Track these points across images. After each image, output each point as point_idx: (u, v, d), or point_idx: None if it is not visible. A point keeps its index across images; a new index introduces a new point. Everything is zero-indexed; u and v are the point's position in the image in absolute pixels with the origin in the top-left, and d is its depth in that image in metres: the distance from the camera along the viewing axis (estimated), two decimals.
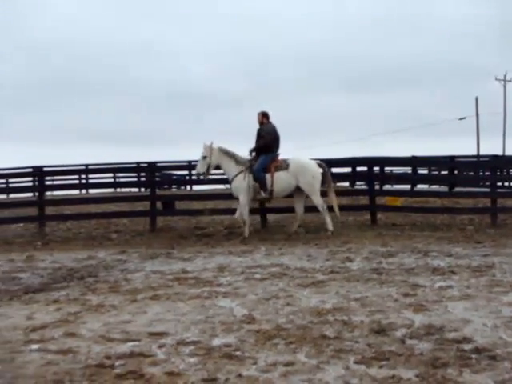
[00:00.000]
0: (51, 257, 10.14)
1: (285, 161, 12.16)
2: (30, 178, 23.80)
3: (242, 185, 11.96)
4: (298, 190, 12.21)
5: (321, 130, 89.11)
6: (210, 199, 15.93)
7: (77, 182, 24.81)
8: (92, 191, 27.13)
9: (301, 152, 50.30)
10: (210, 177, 13.23)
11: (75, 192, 26.36)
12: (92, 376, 4.08)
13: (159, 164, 19.58)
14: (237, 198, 12.24)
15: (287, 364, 4.27)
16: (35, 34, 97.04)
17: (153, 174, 14.93)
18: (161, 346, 4.76)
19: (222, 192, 16.12)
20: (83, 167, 21.83)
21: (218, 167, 12.49)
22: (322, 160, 12.48)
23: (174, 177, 29.31)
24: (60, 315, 5.89)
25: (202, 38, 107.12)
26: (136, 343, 4.83)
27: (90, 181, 25.67)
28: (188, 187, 28.73)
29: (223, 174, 13.05)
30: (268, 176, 11.93)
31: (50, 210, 13.85)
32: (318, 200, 12.12)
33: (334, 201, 12.29)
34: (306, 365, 4.26)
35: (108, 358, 4.46)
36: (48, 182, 17.77)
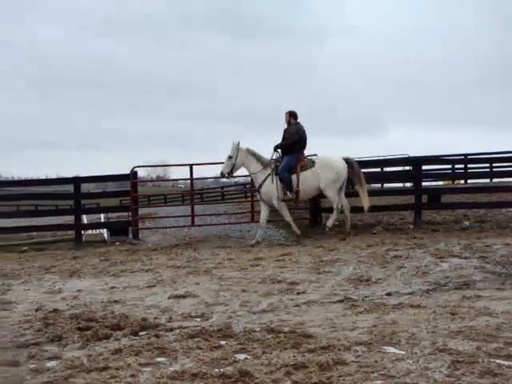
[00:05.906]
0: None
1: (311, 159, 11.87)
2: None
3: (272, 189, 11.75)
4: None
5: None
6: None
7: None
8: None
9: None
10: None
11: None
12: None
13: None
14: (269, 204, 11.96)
15: None
16: None
17: None
18: None
19: None
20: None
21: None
22: None
23: None
24: None
25: None
26: None
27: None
28: None
29: None
30: (294, 176, 11.64)
31: None
32: (333, 197, 11.68)
33: (366, 200, 11.62)
34: None
35: None
36: None
